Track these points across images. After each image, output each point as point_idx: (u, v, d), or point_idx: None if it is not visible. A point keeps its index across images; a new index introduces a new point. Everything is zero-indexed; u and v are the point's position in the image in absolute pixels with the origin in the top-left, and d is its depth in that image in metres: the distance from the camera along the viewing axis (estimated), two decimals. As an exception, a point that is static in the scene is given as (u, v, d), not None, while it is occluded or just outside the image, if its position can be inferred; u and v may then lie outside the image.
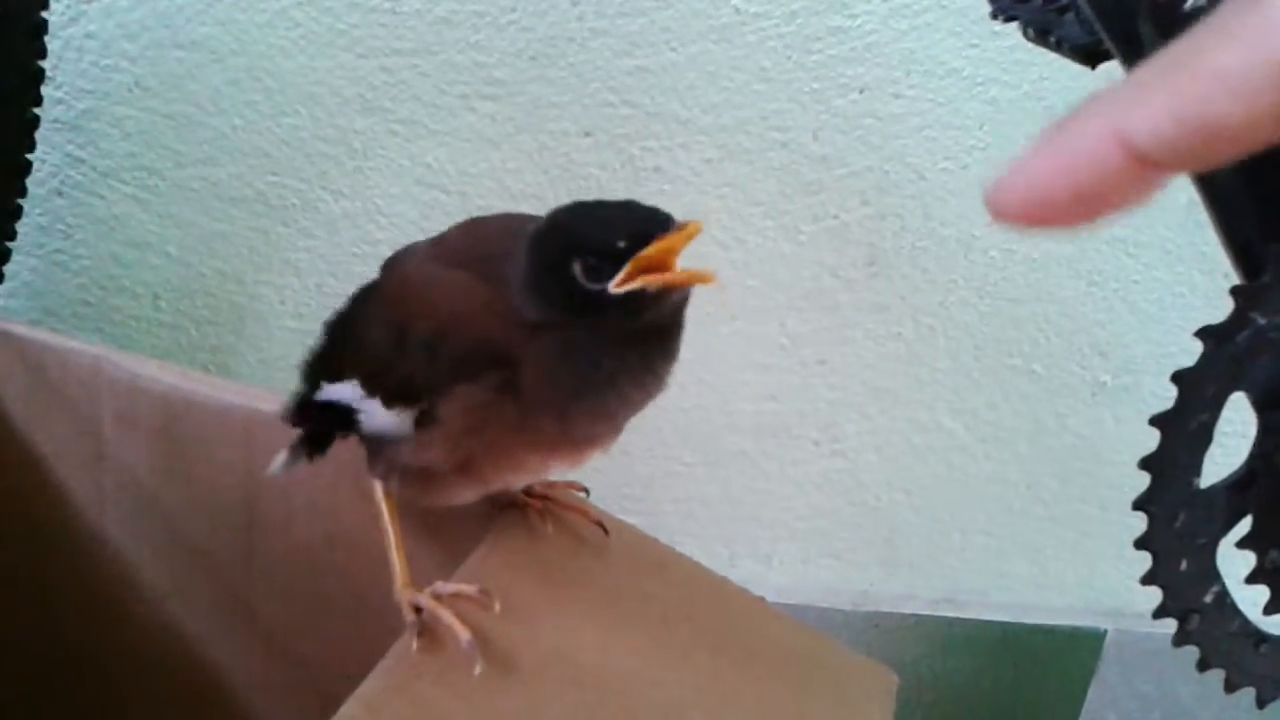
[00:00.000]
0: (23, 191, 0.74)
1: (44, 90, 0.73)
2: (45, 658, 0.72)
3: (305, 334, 0.87)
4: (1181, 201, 0.86)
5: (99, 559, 0.69)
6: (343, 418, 0.48)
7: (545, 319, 0.43)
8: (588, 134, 0.82)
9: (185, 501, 0.65)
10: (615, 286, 0.41)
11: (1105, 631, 1.00)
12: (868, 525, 0.97)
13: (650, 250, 0.40)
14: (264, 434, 0.61)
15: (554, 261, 0.42)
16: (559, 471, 0.47)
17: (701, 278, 0.41)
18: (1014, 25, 0.61)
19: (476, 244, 0.47)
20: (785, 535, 0.97)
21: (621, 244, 0.41)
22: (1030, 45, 0.83)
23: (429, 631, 0.46)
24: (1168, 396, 0.50)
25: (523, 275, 0.43)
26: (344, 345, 0.50)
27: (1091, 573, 1.00)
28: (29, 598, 0.70)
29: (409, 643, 0.46)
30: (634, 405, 0.45)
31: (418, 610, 0.47)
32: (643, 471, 0.93)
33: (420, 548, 0.53)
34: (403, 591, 0.48)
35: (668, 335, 0.44)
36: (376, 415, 0.46)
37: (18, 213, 0.74)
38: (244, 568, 0.66)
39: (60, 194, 0.83)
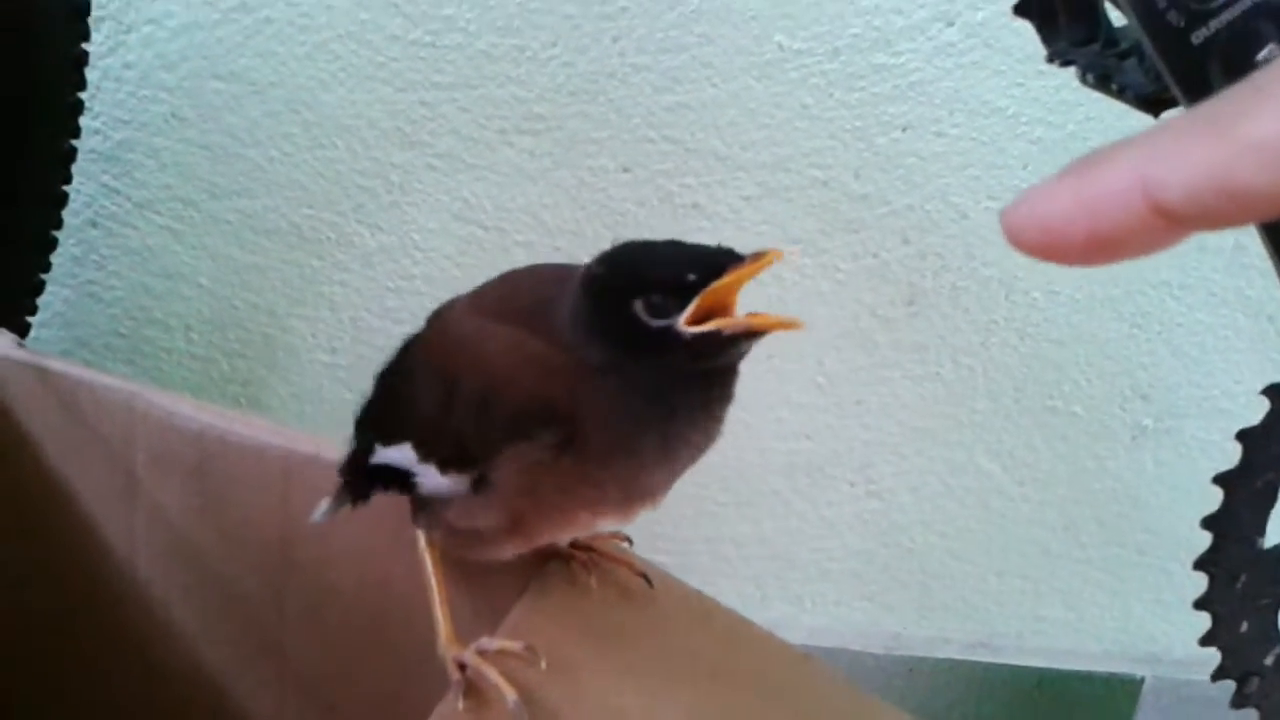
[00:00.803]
0: (58, 223, 0.73)
1: (80, 121, 0.73)
2: (71, 697, 0.71)
3: (337, 368, 0.86)
4: (1227, 244, 0.85)
5: (128, 597, 0.68)
6: (399, 478, 0.47)
7: (602, 363, 0.41)
8: (626, 170, 0.81)
9: (218, 542, 0.64)
10: (687, 324, 0.39)
11: (1142, 679, 0.98)
12: (902, 567, 0.95)
13: (725, 280, 0.38)
14: (300, 475, 0.60)
15: (613, 301, 0.40)
16: (609, 526, 0.46)
17: (786, 324, 0.39)
18: (1064, 67, 0.60)
19: (516, 294, 0.46)
20: (818, 576, 0.95)
21: (692, 277, 0.39)
22: (1076, 85, 0.82)
23: (474, 690, 0.45)
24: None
25: (576, 318, 0.42)
26: (395, 401, 0.49)
27: (1129, 618, 0.98)
28: (55, 635, 0.70)
29: (454, 703, 0.44)
30: (697, 453, 0.43)
31: (462, 668, 0.46)
32: (674, 510, 0.91)
33: (460, 596, 0.52)
34: (447, 648, 0.47)
35: (727, 377, 0.42)
36: (432, 479, 0.45)
37: (53, 244, 0.74)
38: (276, 611, 0.65)
39: (95, 225, 0.82)
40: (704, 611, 0.54)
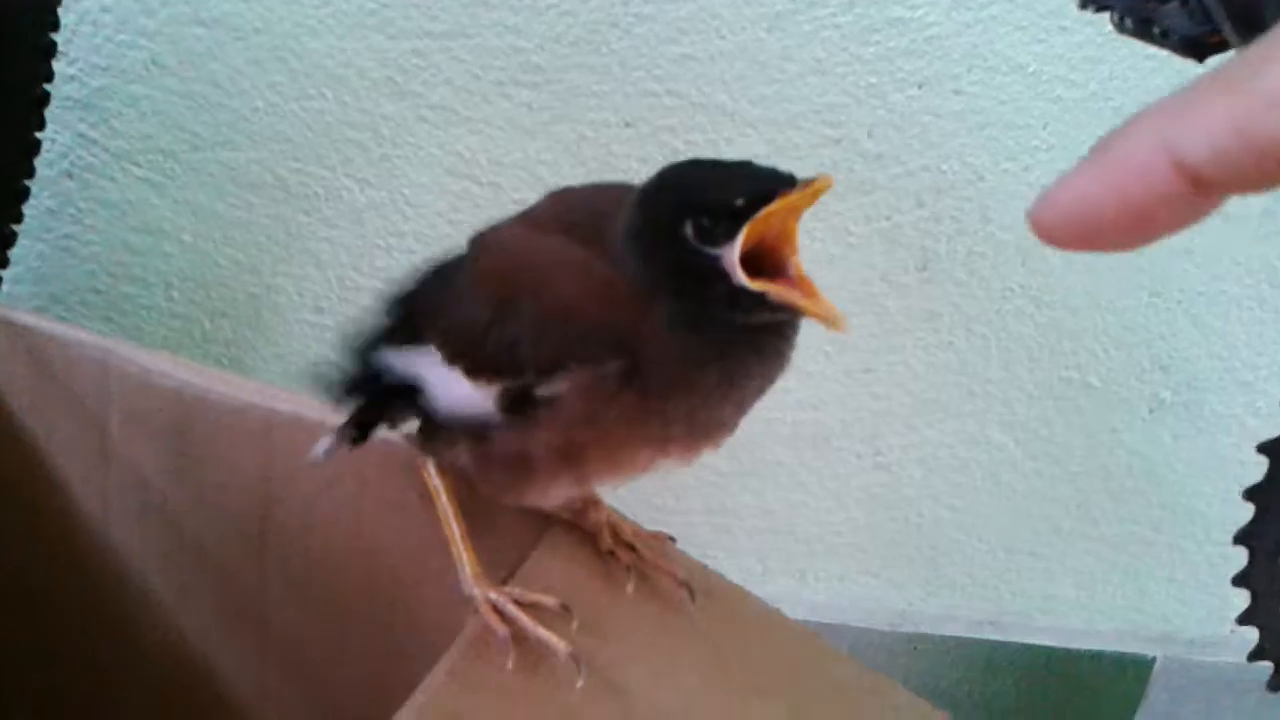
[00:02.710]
0: (30, 172, 0.70)
1: (56, 66, 0.70)
2: (44, 666, 0.69)
3: (324, 329, 0.83)
4: (1254, 211, 0.82)
5: (102, 563, 0.65)
6: (405, 389, 0.43)
7: (654, 286, 0.38)
8: (629, 125, 0.78)
9: (195, 505, 0.62)
10: (731, 264, 0.36)
11: (1154, 659, 0.96)
12: (909, 542, 0.92)
13: (773, 207, 0.35)
14: (283, 436, 0.58)
15: (664, 221, 0.37)
16: (666, 469, 0.42)
17: (828, 318, 0.36)
18: (1090, 18, 0.57)
19: (570, 213, 0.42)
20: (822, 550, 0.92)
21: (739, 202, 0.36)
22: (1100, 42, 0.79)
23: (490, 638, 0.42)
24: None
25: (628, 238, 0.39)
26: (418, 312, 0.44)
27: (1141, 597, 0.96)
28: (27, 603, 0.67)
29: (495, 659, 0.41)
30: (762, 388, 0.40)
31: (499, 613, 0.42)
32: (674, 480, 0.89)
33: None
34: (476, 586, 0.43)
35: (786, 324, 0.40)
36: (452, 388, 0.41)
37: (25, 194, 0.71)
38: (257, 577, 0.62)
39: (70, 176, 0.79)
40: (706, 586, 0.51)
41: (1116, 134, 0.20)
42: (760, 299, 0.36)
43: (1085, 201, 0.20)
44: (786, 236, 0.37)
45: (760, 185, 0.36)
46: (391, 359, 0.44)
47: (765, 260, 0.37)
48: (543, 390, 0.39)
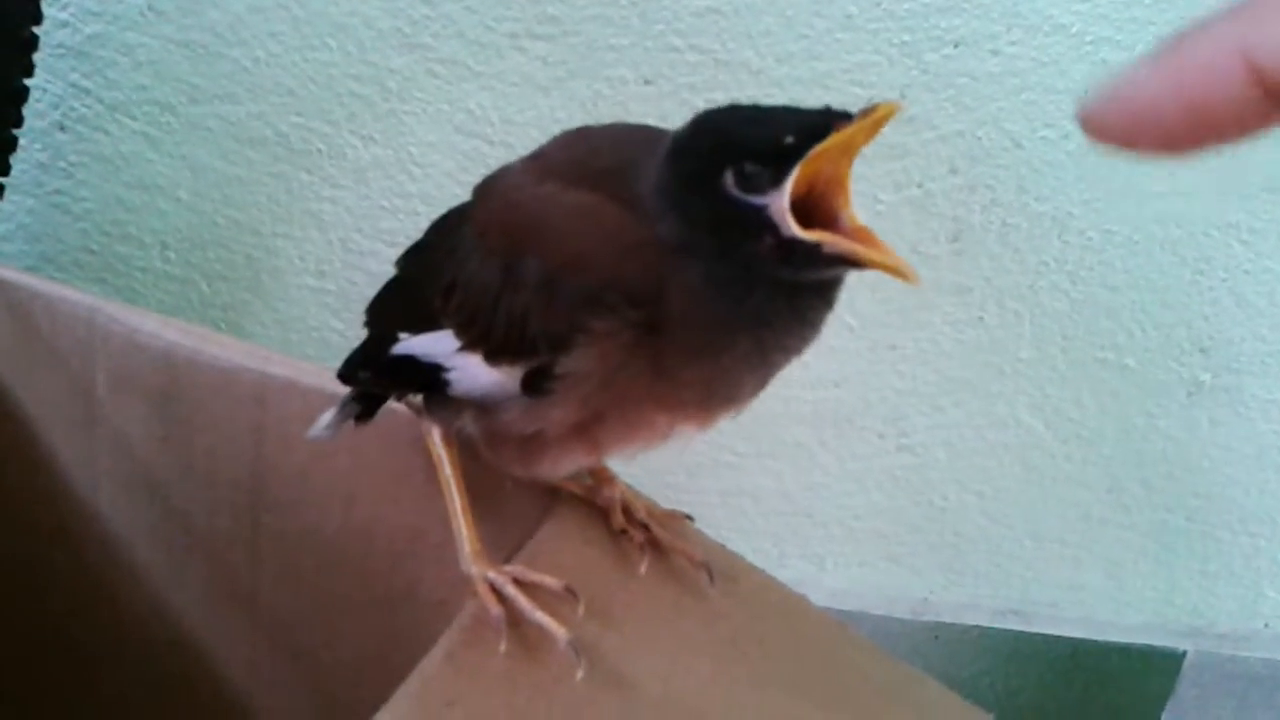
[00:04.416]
0: (18, 121, 0.67)
1: (48, 12, 0.68)
2: (27, 640, 0.67)
3: (325, 293, 0.80)
4: (1306, 185, 0.78)
5: (87, 533, 0.63)
6: (426, 376, 0.40)
7: (688, 243, 0.34)
8: (648, 82, 0.74)
9: (184, 474, 0.59)
10: (780, 212, 0.32)
11: (1184, 653, 0.92)
12: (932, 528, 0.89)
13: (828, 143, 0.32)
14: (276, 402, 0.55)
15: (701, 169, 0.34)
16: (688, 432, 0.39)
17: (899, 270, 0.32)
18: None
19: (589, 156, 0.39)
20: (841, 535, 0.89)
21: (789, 139, 0.32)
22: (1148, 2, 0.74)
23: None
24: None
25: (660, 188, 0.35)
26: (429, 283, 0.41)
27: (1172, 588, 0.92)
28: (9, 574, 0.65)
29: (494, 643, 0.38)
30: (790, 356, 0.37)
31: (496, 594, 0.39)
32: (689, 459, 0.85)
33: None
34: (474, 564, 0.40)
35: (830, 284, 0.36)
36: (473, 374, 0.38)
37: (13, 145, 0.67)
38: (248, 554, 0.60)
39: (62, 128, 0.76)
40: (727, 568, 0.47)
41: (1187, 32, 0.20)
42: (813, 252, 0.33)
43: (1146, 95, 0.20)
44: (839, 183, 0.33)
45: (812, 121, 0.32)
46: (411, 346, 0.41)
47: (813, 212, 0.33)
48: (561, 368, 0.36)
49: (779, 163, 0.32)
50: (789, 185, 0.32)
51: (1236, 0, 0.20)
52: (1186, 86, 0.20)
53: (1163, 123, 0.20)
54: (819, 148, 0.32)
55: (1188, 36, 0.20)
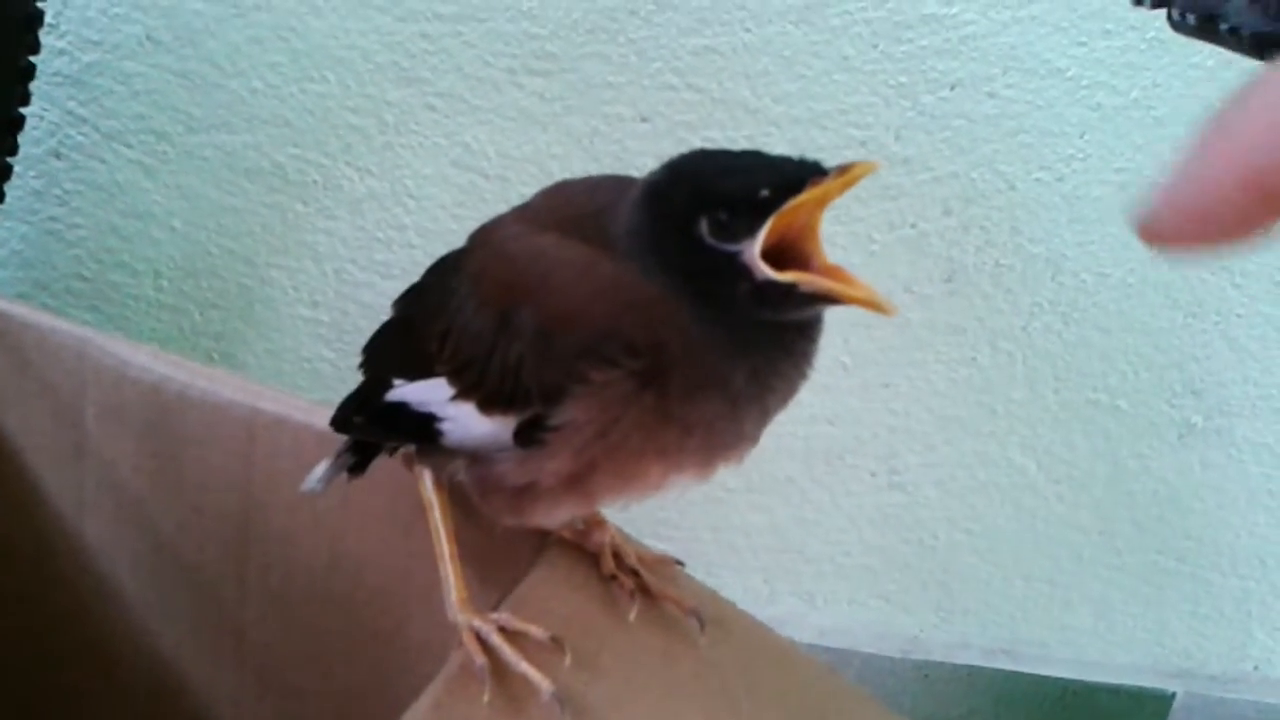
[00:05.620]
0: (14, 149, 0.67)
1: (45, 40, 0.68)
2: (11, 671, 0.66)
3: (318, 324, 0.79)
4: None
5: (74, 564, 0.63)
6: (419, 426, 0.40)
7: (669, 287, 0.34)
8: (645, 119, 0.74)
9: (173, 508, 0.59)
10: (753, 259, 0.33)
11: (1174, 694, 0.92)
12: (923, 566, 0.88)
13: (803, 198, 0.32)
14: (266, 437, 0.55)
15: (675, 217, 0.34)
16: (684, 483, 0.39)
17: (875, 304, 0.33)
18: (1133, 22, 0.53)
19: (565, 204, 0.39)
20: (831, 572, 0.89)
21: (764, 193, 0.33)
22: (1143, 48, 0.75)
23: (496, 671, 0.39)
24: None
25: (632, 230, 0.35)
26: (425, 329, 0.41)
27: (1162, 630, 0.92)
28: (-6, 605, 0.63)
29: (480, 693, 0.38)
30: (782, 397, 0.37)
31: (481, 643, 0.39)
32: (679, 496, 0.85)
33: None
34: (460, 612, 0.40)
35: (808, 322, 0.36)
36: (466, 424, 0.38)
37: (7, 172, 0.67)
38: (235, 587, 0.59)
39: (58, 156, 0.76)
40: (716, 615, 0.47)
41: (1228, 110, 0.18)
42: (788, 292, 0.33)
43: (1207, 184, 0.18)
44: (810, 231, 0.34)
45: (786, 174, 0.33)
46: (405, 394, 0.41)
47: (785, 254, 0.34)
48: (554, 420, 0.36)
49: (753, 213, 0.33)
50: (762, 235, 0.33)
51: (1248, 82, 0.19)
52: (1247, 163, 0.18)
53: (1231, 207, 0.18)
54: (793, 202, 0.32)
55: (1229, 114, 0.18)
